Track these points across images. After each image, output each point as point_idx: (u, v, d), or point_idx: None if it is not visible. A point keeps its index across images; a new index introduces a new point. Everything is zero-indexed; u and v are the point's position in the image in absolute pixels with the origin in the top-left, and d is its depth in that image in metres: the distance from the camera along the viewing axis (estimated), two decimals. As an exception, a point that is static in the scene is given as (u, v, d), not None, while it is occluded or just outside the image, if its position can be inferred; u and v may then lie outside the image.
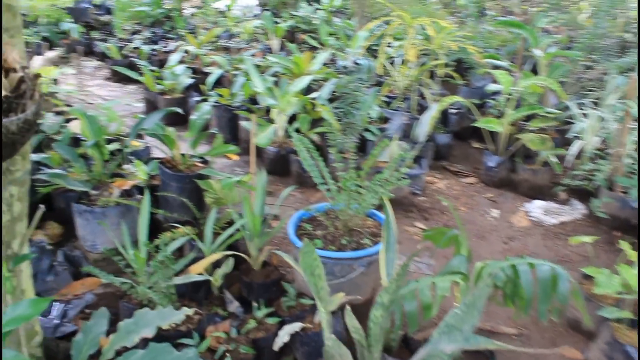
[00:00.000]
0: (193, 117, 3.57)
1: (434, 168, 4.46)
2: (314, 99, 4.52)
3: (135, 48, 7.14)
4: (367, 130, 4.31)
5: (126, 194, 3.21)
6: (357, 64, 5.38)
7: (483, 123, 4.19)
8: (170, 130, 3.34)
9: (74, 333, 2.38)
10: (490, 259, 3.15)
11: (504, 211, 3.89)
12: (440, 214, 3.81)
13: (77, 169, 3.03)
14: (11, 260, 1.79)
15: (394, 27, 4.85)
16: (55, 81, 6.25)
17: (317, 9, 8.38)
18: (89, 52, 7.77)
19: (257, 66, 5.75)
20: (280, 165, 4.30)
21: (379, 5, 6.73)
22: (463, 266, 2.07)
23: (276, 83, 4.74)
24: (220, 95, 4.93)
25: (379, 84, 5.08)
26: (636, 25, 5.41)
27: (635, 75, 3.58)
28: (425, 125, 4.36)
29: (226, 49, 7.01)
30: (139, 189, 3.46)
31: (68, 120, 4.22)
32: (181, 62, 6.32)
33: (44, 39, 7.91)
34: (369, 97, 4.38)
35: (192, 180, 3.19)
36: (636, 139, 3.62)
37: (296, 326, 2.26)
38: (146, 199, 2.60)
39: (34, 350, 2.00)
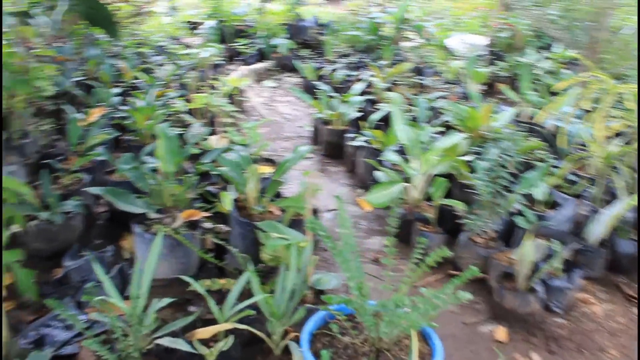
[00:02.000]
0: (285, 157, 3.32)
1: (598, 282, 3.49)
2: (469, 161, 3.92)
3: (332, 70, 7.19)
4: (520, 214, 3.58)
5: (193, 225, 3.10)
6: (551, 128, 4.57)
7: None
8: (254, 166, 3.11)
9: None
10: None
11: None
12: (577, 351, 2.92)
13: (143, 187, 3.00)
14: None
15: (591, 92, 3.95)
16: (240, 91, 6.59)
17: (546, 57, 7.49)
18: (294, 68, 8.08)
19: (431, 109, 5.29)
20: (404, 232, 3.79)
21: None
22: None
23: (442, 133, 4.26)
24: (374, 137, 4.59)
25: (562, 155, 4.22)
26: None
27: None
28: (602, 223, 3.46)
29: (422, 86, 6.63)
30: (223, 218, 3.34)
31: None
32: (364, 93, 6.15)
33: (259, 50, 8.48)
34: (536, 172, 3.63)
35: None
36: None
37: None
38: (158, 242, 2.40)
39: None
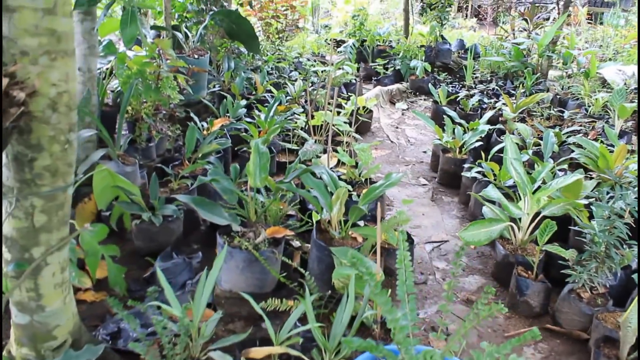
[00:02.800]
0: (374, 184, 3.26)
1: None
2: (587, 205, 3.60)
3: (467, 96, 6.98)
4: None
5: (277, 242, 3.16)
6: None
7: None
8: (342, 189, 3.09)
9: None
10: None
11: None
12: None
13: (229, 199, 3.12)
14: (23, 264, 1.94)
15: None
16: (368, 112, 6.63)
17: None
18: (430, 92, 7.96)
19: (562, 144, 4.92)
20: (504, 275, 3.55)
21: None
22: None
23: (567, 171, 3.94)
24: (490, 170, 4.37)
25: None
26: None
27: None
28: None
29: (560, 119, 6.20)
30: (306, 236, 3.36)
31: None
32: (494, 122, 5.90)
33: (397, 71, 8.47)
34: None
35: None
36: None
37: None
38: (222, 255, 2.45)
39: (47, 352, 2.13)
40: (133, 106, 4.55)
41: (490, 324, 3.24)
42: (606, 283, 3.13)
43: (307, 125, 5.41)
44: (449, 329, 3.18)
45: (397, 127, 6.90)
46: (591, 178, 4.52)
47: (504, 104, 5.92)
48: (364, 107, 6.54)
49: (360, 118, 6.14)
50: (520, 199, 3.62)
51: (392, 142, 6.38)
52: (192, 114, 5.11)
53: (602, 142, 5.04)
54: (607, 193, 3.87)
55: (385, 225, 3.11)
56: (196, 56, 6.08)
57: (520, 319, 3.28)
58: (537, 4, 10.64)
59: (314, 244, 3.13)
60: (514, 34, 9.25)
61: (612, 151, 4.44)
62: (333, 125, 5.07)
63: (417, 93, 8.14)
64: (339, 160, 4.85)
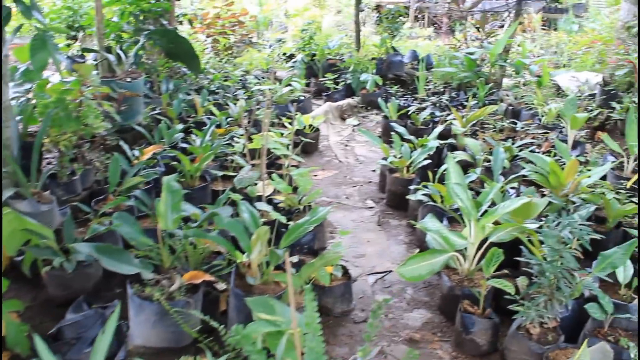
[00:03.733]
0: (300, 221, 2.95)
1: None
2: (538, 230, 3.35)
3: (417, 110, 6.75)
4: (595, 300, 2.95)
5: (195, 289, 2.83)
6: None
7: None
8: (263, 229, 2.77)
9: None
10: None
11: None
12: None
13: (138, 245, 2.78)
14: None
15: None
16: (316, 130, 6.34)
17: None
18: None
19: (514, 158, 4.70)
20: (451, 309, 3.27)
21: None
22: None
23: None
24: (437, 192, 4.10)
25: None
26: None
27: None
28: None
29: (514, 131, 6.01)
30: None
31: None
32: (445, 136, 5.66)
33: (348, 85, 8.23)
34: (620, 248, 3.00)
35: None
36: None
37: None
38: (115, 314, 2.12)
39: None
40: (52, 137, 4.18)
41: (434, 366, 2.95)
42: (557, 316, 2.88)
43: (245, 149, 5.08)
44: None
45: (346, 145, 6.63)
46: (544, 195, 4.31)
47: (454, 118, 5.69)
48: (310, 126, 6.25)
49: (303, 138, 5.84)
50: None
51: (340, 161, 6.11)
52: (121, 143, 4.75)
53: (555, 154, 4.84)
54: (559, 213, 3.65)
55: (312, 265, 2.80)
56: (129, 79, 5.73)
57: (467, 358, 3.00)
58: (490, 12, 10.56)
59: (232, 292, 2.80)
60: (466, 44, 9.11)
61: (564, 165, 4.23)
62: (271, 149, 4.76)
63: (369, 107, 7.89)
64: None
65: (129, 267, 2.77)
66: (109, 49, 6.30)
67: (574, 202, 4.06)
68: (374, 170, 5.81)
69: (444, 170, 4.43)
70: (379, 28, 9.41)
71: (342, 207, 4.97)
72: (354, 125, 7.31)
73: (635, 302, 2.98)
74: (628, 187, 3.79)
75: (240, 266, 2.92)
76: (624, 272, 3.10)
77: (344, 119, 7.59)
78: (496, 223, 3.25)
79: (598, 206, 4.10)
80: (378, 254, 4.12)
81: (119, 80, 5.58)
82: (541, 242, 2.84)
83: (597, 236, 3.03)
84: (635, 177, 4.40)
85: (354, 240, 4.36)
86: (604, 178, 4.53)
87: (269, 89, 6.78)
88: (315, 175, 5.70)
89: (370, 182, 5.55)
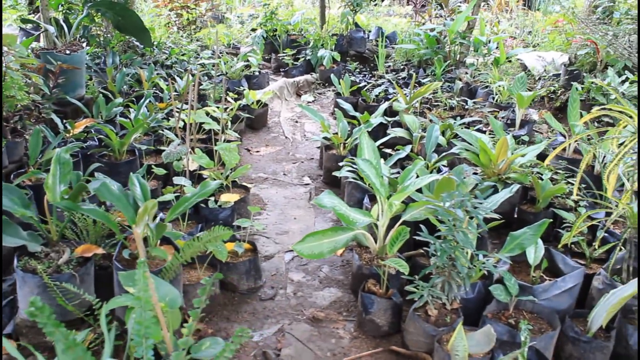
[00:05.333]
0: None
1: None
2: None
3: (371, 87, 6.59)
4: (500, 282, 2.84)
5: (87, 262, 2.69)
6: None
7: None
8: (151, 203, 2.61)
9: None
10: None
11: None
12: None
13: (22, 216, 2.63)
14: None
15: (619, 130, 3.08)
16: (264, 105, 6.18)
17: (631, 80, 6.38)
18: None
19: (455, 137, 4.56)
20: (360, 287, 3.14)
21: None
22: None
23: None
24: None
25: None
26: None
27: None
28: (604, 308, 2.63)
29: (464, 109, 5.86)
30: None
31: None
32: (394, 114, 5.51)
33: (307, 61, 8.03)
34: (530, 229, 2.88)
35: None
36: None
37: None
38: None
39: None
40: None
41: (332, 346, 2.83)
42: (456, 298, 2.76)
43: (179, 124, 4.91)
44: (281, 354, 2.77)
45: (297, 122, 6.46)
46: (475, 174, 4.18)
47: (397, 94, 5.53)
48: (258, 102, 6.08)
49: (248, 115, 5.66)
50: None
51: (286, 137, 5.94)
52: (52, 116, 4.57)
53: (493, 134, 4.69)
54: (472, 192, 3.52)
55: (198, 240, 2.65)
56: (68, 52, 5.51)
57: (367, 339, 2.89)
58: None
59: (114, 266, 2.66)
60: (430, 20, 8.91)
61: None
62: (202, 124, 4.59)
63: (327, 84, 7.70)
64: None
65: (14, 239, 2.62)
66: (56, 21, 6.07)
67: (505, 182, 3.95)
68: (319, 147, 5.65)
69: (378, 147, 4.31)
70: (342, 3, 9.18)
71: (278, 183, 4.83)
72: (309, 102, 7.14)
73: (545, 284, 2.86)
74: (544, 166, 3.65)
75: (125, 240, 2.77)
76: (535, 253, 2.98)
77: (300, 96, 7.41)
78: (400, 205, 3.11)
79: (529, 186, 3.99)
80: (302, 231, 3.99)
81: (57, 53, 5.36)
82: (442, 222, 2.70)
83: (496, 216, 2.91)
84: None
85: (280, 217, 4.22)
86: (542, 158, 4.41)
87: (214, 64, 6.60)
88: (258, 151, 5.54)
89: (312, 158, 5.40)
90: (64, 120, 4.58)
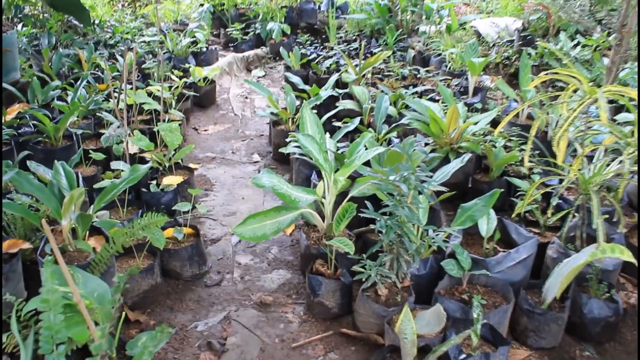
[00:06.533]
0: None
1: (549, 357, 2.57)
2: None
3: (321, 59, 6.37)
4: (452, 256, 2.71)
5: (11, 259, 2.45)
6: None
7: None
8: (77, 191, 2.38)
9: None
10: None
11: None
12: None
13: None
14: None
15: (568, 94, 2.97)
16: (211, 82, 5.92)
17: (582, 44, 6.32)
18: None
19: (405, 107, 4.40)
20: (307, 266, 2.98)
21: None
22: None
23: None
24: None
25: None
26: None
27: None
28: (557, 278, 2.53)
29: (416, 78, 5.71)
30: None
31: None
32: (344, 86, 5.32)
33: (257, 35, 7.75)
34: (481, 200, 2.75)
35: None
36: None
37: None
38: None
39: None
40: None
41: (280, 332, 2.68)
42: (407, 275, 2.63)
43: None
44: (227, 342, 2.61)
45: (246, 98, 6.22)
46: (427, 144, 4.05)
47: (344, 65, 5.33)
48: (205, 79, 5.81)
49: (192, 92, 5.39)
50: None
51: (235, 114, 5.71)
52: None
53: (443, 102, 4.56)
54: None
55: (128, 229, 2.44)
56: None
57: (317, 322, 2.75)
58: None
59: (39, 261, 2.44)
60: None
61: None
62: (143, 104, 4.32)
63: (277, 58, 7.44)
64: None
65: None
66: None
67: (458, 151, 3.82)
68: (268, 123, 5.45)
69: (326, 120, 4.13)
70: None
71: (226, 162, 4.61)
72: (259, 77, 6.89)
73: (499, 256, 2.75)
74: (496, 134, 3.53)
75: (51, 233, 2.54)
76: (487, 225, 2.86)
77: (250, 71, 7.15)
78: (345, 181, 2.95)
79: (483, 155, 3.88)
80: (251, 211, 3.80)
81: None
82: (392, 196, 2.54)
83: (442, 189, 2.77)
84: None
85: (228, 197, 4.02)
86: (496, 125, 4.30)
87: (159, 41, 6.29)
88: (206, 130, 5.29)
89: (262, 135, 5.19)
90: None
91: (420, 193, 2.47)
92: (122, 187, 2.50)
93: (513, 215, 3.10)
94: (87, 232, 2.58)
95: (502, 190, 2.86)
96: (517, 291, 2.64)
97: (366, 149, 3.21)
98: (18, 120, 4.25)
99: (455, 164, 3.15)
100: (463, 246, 2.81)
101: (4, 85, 4.70)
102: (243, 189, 4.15)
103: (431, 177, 2.55)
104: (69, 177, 2.58)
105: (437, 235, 2.68)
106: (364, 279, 2.52)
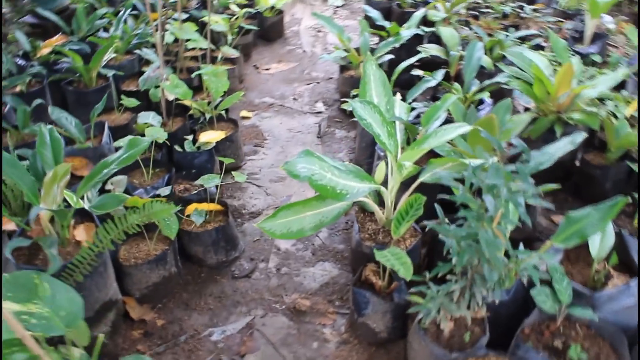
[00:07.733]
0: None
1: None
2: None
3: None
4: (549, 284, 2.00)
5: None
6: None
7: None
8: (63, 167, 1.84)
9: None
10: None
11: None
12: None
13: None
14: None
15: None
16: (279, 12, 5.22)
17: None
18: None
19: (502, 58, 3.56)
20: (361, 266, 2.37)
21: None
22: None
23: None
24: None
25: None
26: None
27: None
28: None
29: (520, 18, 4.74)
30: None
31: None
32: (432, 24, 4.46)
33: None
34: (597, 209, 1.98)
35: None
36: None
37: None
38: None
39: None
40: None
41: (312, 354, 2.13)
42: (480, 302, 1.95)
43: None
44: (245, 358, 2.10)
45: (319, 31, 5.47)
46: (527, 110, 3.24)
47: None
48: (272, 8, 5.11)
49: (262, 24, 4.72)
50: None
51: (304, 51, 5.01)
52: (16, 33, 3.81)
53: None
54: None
55: (136, 217, 1.90)
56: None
57: (359, 347, 2.18)
58: None
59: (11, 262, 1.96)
60: None
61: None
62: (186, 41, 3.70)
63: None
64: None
65: None
66: None
67: (567, 122, 2.99)
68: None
69: (405, 70, 3.39)
70: None
71: (284, 111, 3.99)
72: (337, 6, 6.08)
73: (608, 288, 2.02)
74: (628, 114, 2.67)
75: (27, 225, 2.04)
76: (601, 243, 2.11)
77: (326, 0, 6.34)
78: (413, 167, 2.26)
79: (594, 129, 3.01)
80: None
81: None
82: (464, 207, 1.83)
83: (548, 205, 1.97)
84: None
85: (280, 157, 3.43)
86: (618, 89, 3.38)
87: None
88: (268, 69, 4.65)
89: (330, 78, 4.49)
90: (31, 39, 3.84)
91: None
92: (113, 167, 1.94)
93: (636, 223, 2.31)
94: (72, 221, 2.06)
95: (627, 196, 2.06)
96: (633, 343, 1.92)
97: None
98: (52, 56, 3.78)
99: (563, 144, 2.37)
100: (562, 268, 2.09)
101: (47, 14, 4.22)
102: (299, 146, 3.53)
103: (531, 181, 1.80)
104: (55, 148, 2.04)
105: (529, 256, 1.96)
106: (420, 314, 1.88)
